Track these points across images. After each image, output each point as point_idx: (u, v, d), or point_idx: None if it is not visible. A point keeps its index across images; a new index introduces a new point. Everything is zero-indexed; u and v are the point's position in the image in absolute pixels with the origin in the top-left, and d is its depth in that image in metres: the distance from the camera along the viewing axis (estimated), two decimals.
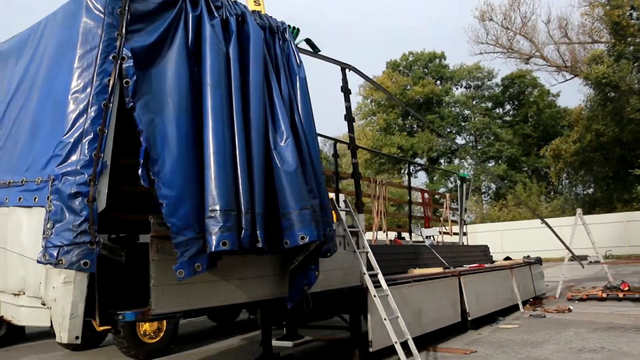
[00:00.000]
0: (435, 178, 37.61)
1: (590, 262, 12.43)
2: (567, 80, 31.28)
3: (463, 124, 39.78)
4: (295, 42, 4.14)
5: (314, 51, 4.69)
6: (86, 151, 2.75)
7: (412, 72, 40.85)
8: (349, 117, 5.20)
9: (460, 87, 41.05)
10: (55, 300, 2.76)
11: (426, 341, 5.69)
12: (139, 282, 3.28)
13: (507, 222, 27.34)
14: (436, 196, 19.39)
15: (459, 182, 11.05)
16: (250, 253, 3.25)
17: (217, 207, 2.96)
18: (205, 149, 3.06)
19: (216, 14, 3.36)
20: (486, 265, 8.34)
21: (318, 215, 3.48)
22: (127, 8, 2.87)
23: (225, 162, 3.07)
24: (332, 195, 5.16)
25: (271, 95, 3.57)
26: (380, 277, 4.57)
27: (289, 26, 4.10)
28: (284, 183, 3.35)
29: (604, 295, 8.96)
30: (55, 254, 2.65)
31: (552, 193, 34.52)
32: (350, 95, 5.36)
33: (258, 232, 3.13)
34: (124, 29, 2.86)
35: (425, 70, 40.91)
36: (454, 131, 39.06)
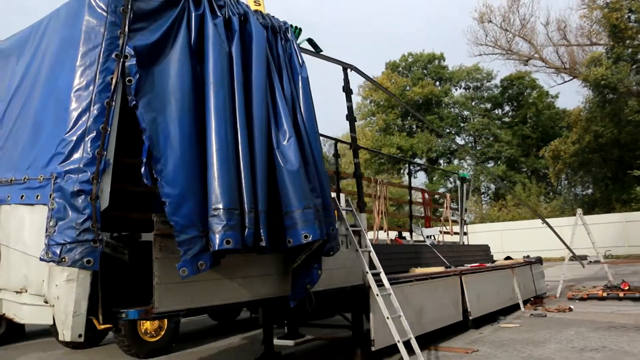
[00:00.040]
0: (434, 178, 37.64)
1: (590, 261, 12.46)
2: (565, 81, 31.40)
3: (462, 124, 39.84)
4: (297, 41, 4.14)
5: (316, 51, 4.70)
6: (89, 149, 2.75)
7: (412, 73, 40.91)
8: (351, 117, 5.21)
9: (460, 88, 41.18)
10: (58, 298, 2.75)
11: (427, 340, 5.69)
12: (141, 280, 3.28)
13: (507, 222, 27.39)
14: (436, 196, 19.40)
15: (459, 183, 11.07)
16: (253, 252, 3.25)
17: (221, 206, 2.96)
18: (208, 147, 3.06)
19: (219, 13, 3.36)
20: (487, 265, 8.34)
21: (321, 214, 3.49)
22: (129, 6, 2.87)
23: (228, 161, 3.07)
24: (333, 194, 5.16)
25: (274, 94, 3.57)
26: (383, 276, 4.57)
27: (291, 26, 4.11)
28: (286, 182, 3.36)
29: (605, 294, 8.98)
30: (58, 252, 2.65)
31: (551, 194, 34.58)
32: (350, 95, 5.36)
33: (261, 230, 3.14)
34: (126, 27, 2.86)
35: (425, 71, 40.96)
36: (453, 132, 39.12)
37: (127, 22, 2.86)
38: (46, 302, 2.83)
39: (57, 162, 2.77)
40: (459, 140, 39.74)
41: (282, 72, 3.74)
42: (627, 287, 8.96)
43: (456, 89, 41.01)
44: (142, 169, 2.87)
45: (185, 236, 2.88)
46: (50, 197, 2.75)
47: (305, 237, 3.31)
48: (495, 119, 38.89)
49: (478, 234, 22.14)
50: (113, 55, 2.82)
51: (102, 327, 2.99)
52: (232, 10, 3.46)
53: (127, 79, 2.84)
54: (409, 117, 39.37)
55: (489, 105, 40.09)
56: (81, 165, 2.73)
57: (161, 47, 3.02)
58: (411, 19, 71.03)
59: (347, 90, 5.24)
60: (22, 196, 2.98)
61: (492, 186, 37.91)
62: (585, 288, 10.02)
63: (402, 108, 37.32)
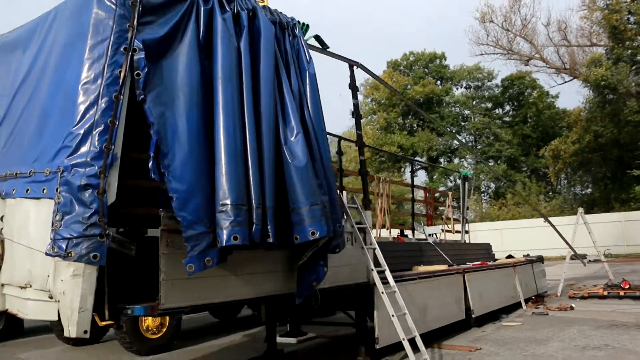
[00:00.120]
0: (435, 177, 37.68)
1: (590, 260, 12.49)
2: (566, 82, 31.43)
3: (463, 123, 39.86)
4: (305, 38, 4.11)
5: (323, 48, 4.67)
6: (96, 143, 2.72)
7: (413, 72, 40.89)
8: (357, 114, 5.19)
9: (461, 88, 41.21)
10: (64, 293, 2.72)
11: (430, 338, 5.69)
12: (145, 276, 3.26)
13: (507, 221, 27.44)
14: (436, 194, 19.42)
15: (460, 181, 11.07)
16: (259, 248, 3.22)
17: (228, 202, 2.94)
18: (216, 142, 3.04)
19: (228, 8, 3.33)
20: (489, 263, 8.34)
21: (328, 210, 3.46)
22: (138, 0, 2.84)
23: (236, 156, 3.05)
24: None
25: (281, 90, 3.55)
26: (388, 274, 4.55)
27: (299, 22, 4.08)
28: (294, 178, 3.33)
29: (605, 293, 8.99)
30: (64, 247, 2.62)
31: (550, 193, 34.65)
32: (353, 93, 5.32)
33: (269, 227, 3.11)
34: (135, 20, 2.83)
35: (426, 70, 40.94)
36: (453, 131, 39.16)
37: (136, 16, 2.82)
38: (51, 298, 2.80)
39: (64, 156, 2.74)
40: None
41: (289, 68, 3.71)
42: (627, 286, 8.98)
43: (457, 88, 41.09)
44: (150, 164, 2.85)
45: (192, 232, 2.85)
46: (57, 190, 2.71)
47: (313, 233, 3.29)
48: (496, 118, 38.93)
49: (478, 233, 22.18)
50: (121, 49, 2.79)
51: (104, 323, 2.96)
52: (240, 5, 3.43)
53: (136, 72, 2.81)
54: (410, 116, 39.35)
55: (489, 105, 40.11)
56: (88, 159, 2.70)
57: (170, 41, 2.99)
58: (411, 19, 70.98)
59: (353, 87, 5.21)
60: (27, 190, 2.95)
61: (492, 185, 37.97)
62: (586, 287, 10.05)
63: (403, 107, 37.29)
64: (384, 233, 8.71)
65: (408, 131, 39.26)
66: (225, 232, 2.90)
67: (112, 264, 2.94)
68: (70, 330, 2.74)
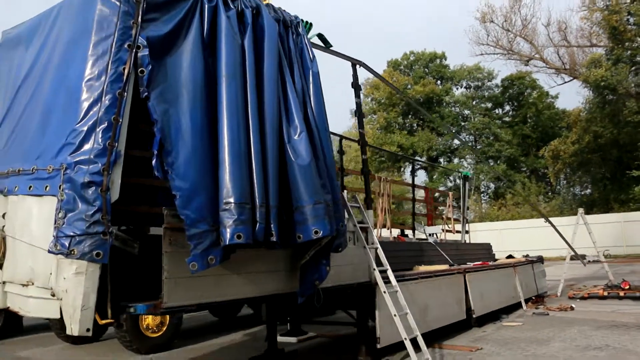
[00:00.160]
0: (434, 177, 37.70)
1: (590, 261, 12.51)
2: (565, 82, 31.44)
3: (463, 123, 39.88)
4: (308, 36, 4.10)
5: (326, 46, 4.66)
6: (100, 140, 2.71)
7: (413, 71, 40.89)
8: (359, 113, 5.18)
9: (461, 87, 41.21)
10: (66, 291, 2.71)
11: (431, 338, 5.68)
12: (147, 274, 3.25)
13: (506, 222, 27.45)
14: (437, 194, 19.41)
15: (460, 181, 11.07)
16: (262, 247, 3.22)
17: (232, 200, 2.93)
18: (220, 140, 3.03)
19: (232, 6, 3.32)
20: (490, 263, 8.34)
21: (331, 209, 3.45)
22: None
23: (240, 155, 3.04)
24: None
25: (285, 88, 3.54)
26: (390, 273, 4.55)
27: (302, 20, 4.07)
28: (297, 177, 3.32)
29: (605, 293, 9.00)
30: (67, 244, 2.61)
31: (550, 193, 34.69)
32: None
33: (272, 225, 3.10)
34: (139, 17, 2.82)
35: (426, 70, 40.94)
36: (453, 130, 39.19)
37: (140, 12, 2.81)
38: (53, 296, 2.79)
39: (67, 153, 2.73)
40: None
41: (293, 66, 3.70)
42: (627, 287, 8.99)
43: (457, 88, 41.09)
44: (153, 162, 2.83)
45: (195, 230, 2.84)
46: (60, 188, 2.70)
47: (316, 232, 3.28)
48: (496, 118, 38.95)
49: (478, 233, 22.19)
50: (126, 46, 2.78)
51: (104, 322, 2.95)
52: (244, 3, 3.42)
53: (140, 69, 2.79)
54: (410, 116, 39.34)
55: (489, 105, 40.13)
56: (92, 156, 2.69)
57: (174, 38, 2.98)
58: (411, 19, 70.95)
59: (356, 86, 5.20)
60: (30, 187, 2.94)
61: (492, 185, 37.99)
62: (586, 287, 10.05)
63: (403, 106, 37.28)
64: (385, 233, 8.71)
65: (408, 131, 39.27)
66: (228, 230, 2.89)
67: (115, 262, 2.93)
68: (73, 328, 2.73)
